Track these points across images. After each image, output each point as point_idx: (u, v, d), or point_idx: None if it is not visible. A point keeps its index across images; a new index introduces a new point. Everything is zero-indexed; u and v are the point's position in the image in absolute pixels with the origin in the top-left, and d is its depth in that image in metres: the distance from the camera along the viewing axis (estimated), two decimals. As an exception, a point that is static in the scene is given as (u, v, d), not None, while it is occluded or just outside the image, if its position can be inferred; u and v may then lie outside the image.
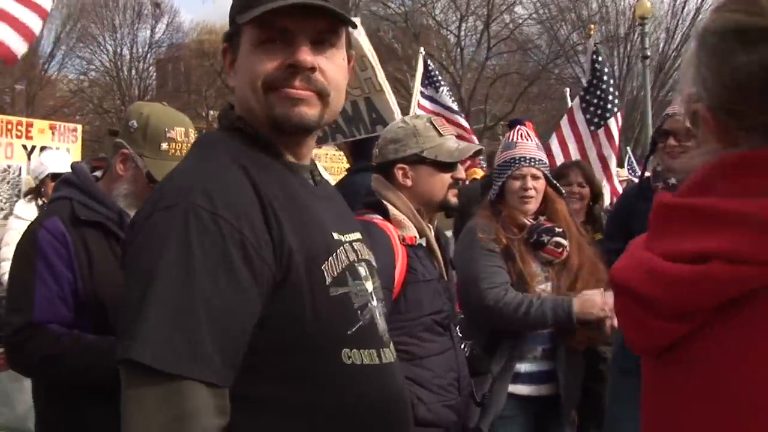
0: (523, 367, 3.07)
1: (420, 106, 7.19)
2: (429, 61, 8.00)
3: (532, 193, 3.11)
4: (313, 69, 1.37)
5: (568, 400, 3.17)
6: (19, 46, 2.95)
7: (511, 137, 3.25)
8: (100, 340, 2.15)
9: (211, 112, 29.23)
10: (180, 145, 2.37)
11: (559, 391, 3.11)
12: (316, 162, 1.72)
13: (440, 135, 2.62)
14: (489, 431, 2.97)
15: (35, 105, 27.60)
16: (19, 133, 4.79)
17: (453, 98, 8.15)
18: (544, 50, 29.27)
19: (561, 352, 3.10)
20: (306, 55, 1.35)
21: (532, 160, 3.13)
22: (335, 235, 1.42)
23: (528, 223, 3.13)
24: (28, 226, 2.42)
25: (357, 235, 1.53)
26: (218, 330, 1.21)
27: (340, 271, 1.38)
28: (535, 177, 3.12)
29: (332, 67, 1.41)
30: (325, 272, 1.34)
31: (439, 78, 7.93)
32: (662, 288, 0.97)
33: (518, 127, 3.30)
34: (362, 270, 1.46)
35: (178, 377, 1.17)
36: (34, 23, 3.56)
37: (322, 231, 1.40)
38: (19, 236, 4.09)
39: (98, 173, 2.53)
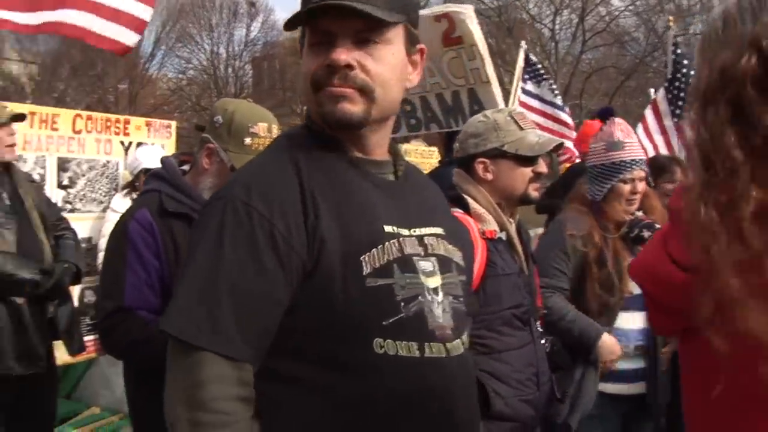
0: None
1: (521, 104, 7.03)
2: (531, 55, 7.77)
3: (639, 195, 3.10)
4: (349, 67, 1.42)
5: (659, 400, 3.10)
6: (129, 38, 3.03)
7: (614, 134, 3.15)
8: None
9: (305, 109, 29.74)
10: (263, 140, 2.42)
11: (650, 390, 3.06)
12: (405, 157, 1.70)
13: (521, 129, 2.57)
14: (576, 428, 2.95)
15: (137, 104, 28.69)
16: (117, 130, 4.94)
17: (557, 91, 7.87)
18: (641, 43, 28.29)
19: (656, 350, 3.05)
20: (340, 54, 1.41)
21: (641, 161, 3.11)
22: (389, 228, 1.46)
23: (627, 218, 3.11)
24: (120, 218, 2.52)
25: (435, 230, 1.56)
26: (240, 309, 1.34)
27: (385, 262, 1.42)
28: (641, 179, 3.11)
29: (376, 64, 1.45)
30: (363, 263, 1.40)
31: (542, 71, 7.72)
32: (662, 290, 1.08)
33: (616, 121, 3.24)
34: (426, 264, 1.49)
35: (199, 348, 1.32)
36: (143, 12, 3.64)
37: (369, 223, 1.44)
38: None
39: (186, 167, 2.60)
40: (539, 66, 7.81)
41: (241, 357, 1.34)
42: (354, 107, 1.43)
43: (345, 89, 1.43)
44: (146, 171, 4.35)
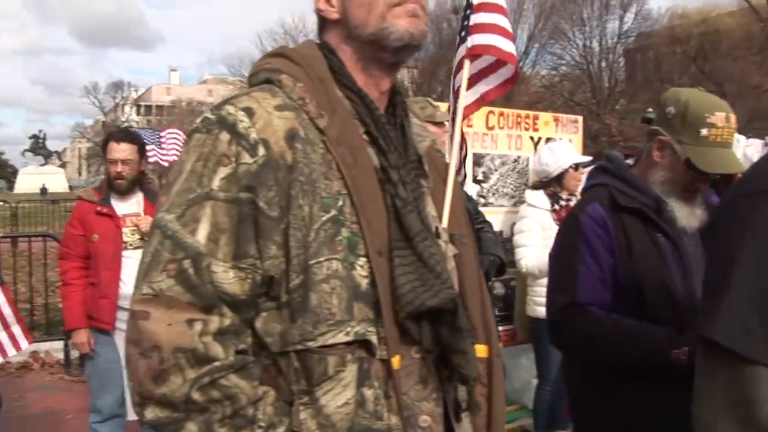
0: None
1: None
2: None
3: None
4: None
5: None
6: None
7: None
8: (639, 327, 2.16)
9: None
10: (720, 131, 2.23)
11: None
12: None
13: None
14: None
15: (513, 101, 29.52)
16: (527, 126, 5.03)
17: None
18: None
19: None
20: None
21: None
22: None
23: None
24: (571, 210, 2.50)
25: None
26: None
27: None
28: None
29: None
30: None
31: None
32: None
33: None
34: None
35: (750, 361, 1.17)
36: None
37: None
38: (533, 223, 4.39)
39: (630, 161, 2.52)
40: None
41: None
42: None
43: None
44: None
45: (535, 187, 4.65)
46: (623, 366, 2.17)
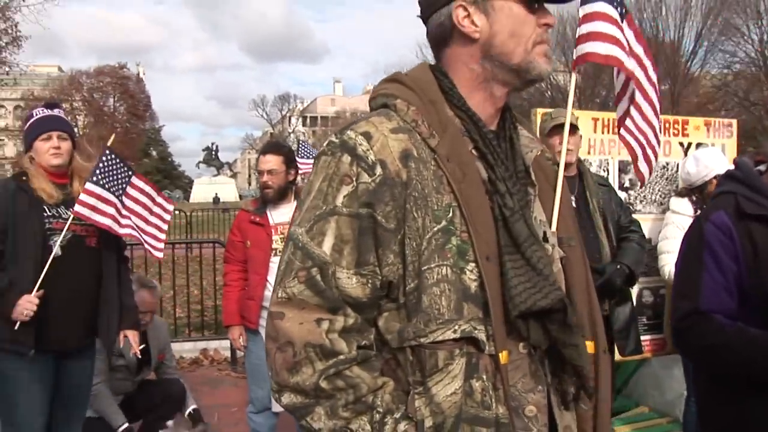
0: None
1: None
2: None
3: None
4: None
5: None
6: None
7: None
8: (765, 336, 2.12)
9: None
10: None
11: None
12: None
13: None
14: None
15: (679, 104, 28.20)
16: (675, 131, 4.89)
17: None
18: None
19: None
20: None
21: None
22: None
23: None
24: (695, 219, 2.49)
25: None
26: None
27: None
28: None
29: None
30: None
31: None
32: None
33: None
34: None
35: None
36: None
37: None
38: (677, 230, 4.28)
39: (762, 167, 2.49)
40: None
41: None
42: None
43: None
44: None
45: (681, 194, 4.55)
46: (748, 376, 2.14)
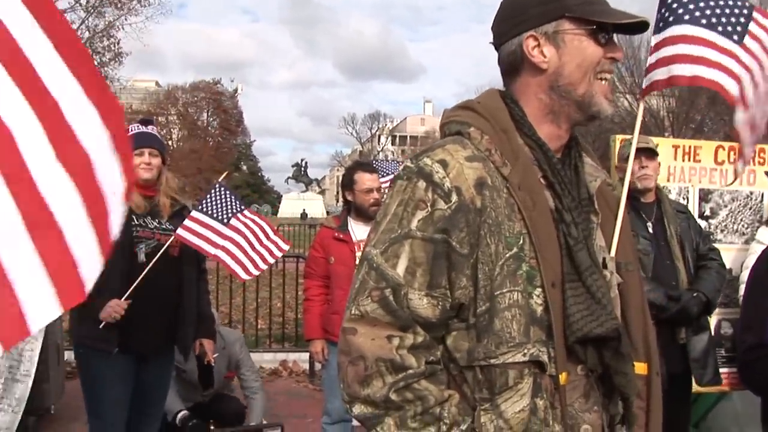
0: None
1: None
2: None
3: None
4: None
5: None
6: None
7: None
8: None
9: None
10: None
11: None
12: None
13: None
14: None
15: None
16: (761, 160, 4.78)
17: None
18: None
19: None
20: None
21: None
22: None
23: None
24: (764, 250, 2.46)
25: None
26: None
27: None
28: None
29: None
30: None
31: None
32: None
33: None
34: None
35: None
36: None
37: None
38: None
39: None
40: None
41: None
42: None
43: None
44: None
45: (768, 223, 4.44)
46: None
